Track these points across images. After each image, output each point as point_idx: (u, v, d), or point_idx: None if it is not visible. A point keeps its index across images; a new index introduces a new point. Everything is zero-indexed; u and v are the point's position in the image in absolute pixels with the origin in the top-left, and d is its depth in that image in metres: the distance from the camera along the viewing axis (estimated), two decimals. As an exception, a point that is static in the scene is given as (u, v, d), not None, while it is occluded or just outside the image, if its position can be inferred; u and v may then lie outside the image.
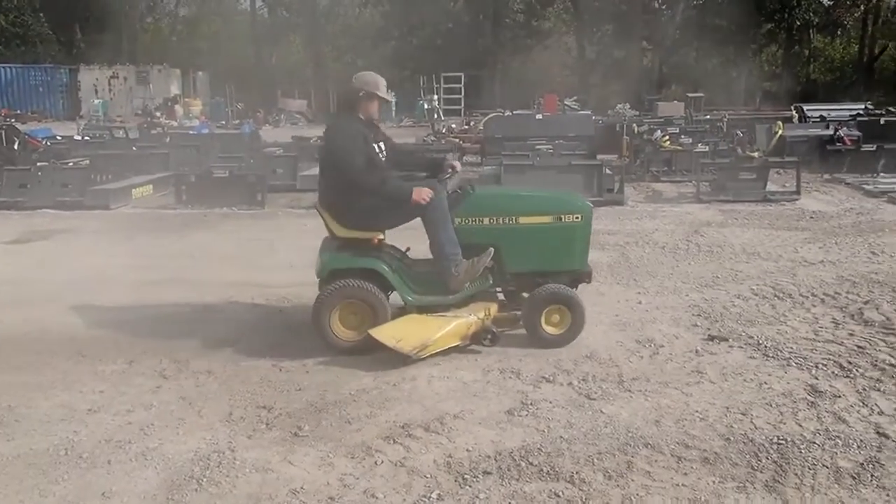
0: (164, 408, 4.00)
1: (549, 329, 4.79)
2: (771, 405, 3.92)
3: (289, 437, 3.65)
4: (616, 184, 10.51)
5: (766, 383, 4.20)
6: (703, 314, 5.47)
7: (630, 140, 13.75)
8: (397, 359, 4.47)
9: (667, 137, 13.35)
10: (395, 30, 41.58)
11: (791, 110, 21.41)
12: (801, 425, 3.69)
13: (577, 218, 4.86)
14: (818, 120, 17.25)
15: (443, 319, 4.65)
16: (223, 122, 27.81)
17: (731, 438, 3.56)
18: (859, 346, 4.73)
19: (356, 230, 4.77)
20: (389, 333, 4.52)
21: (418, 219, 4.75)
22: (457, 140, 16.17)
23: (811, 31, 40.15)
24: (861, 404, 3.91)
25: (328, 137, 4.97)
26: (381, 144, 4.96)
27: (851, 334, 4.97)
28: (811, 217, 9.31)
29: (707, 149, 12.80)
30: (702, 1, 39.33)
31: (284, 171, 12.40)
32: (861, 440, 3.53)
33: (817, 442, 3.51)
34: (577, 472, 3.27)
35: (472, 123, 19.93)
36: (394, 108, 33.37)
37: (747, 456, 3.40)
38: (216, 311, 5.69)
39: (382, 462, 3.40)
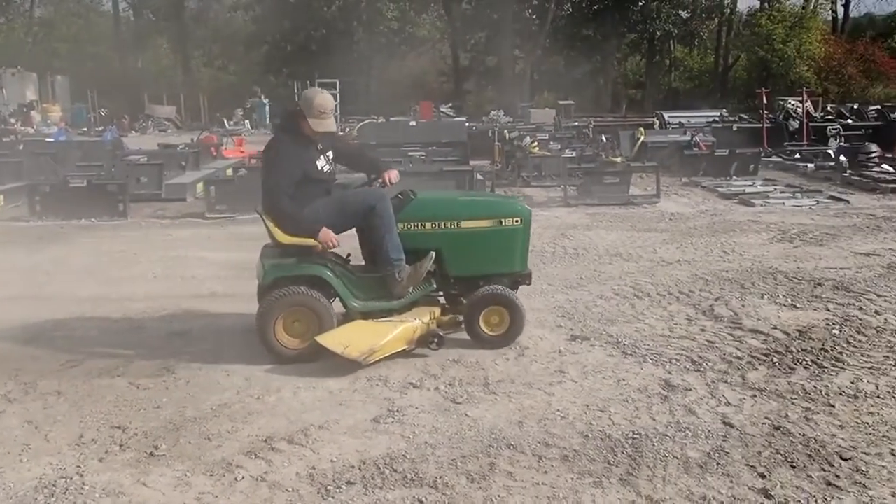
0: (6, 434, 3.74)
1: (488, 330, 4.86)
2: (627, 401, 4.08)
3: (144, 458, 3.49)
4: (487, 189, 10.70)
5: (623, 380, 4.36)
6: (567, 315, 5.63)
7: (502, 146, 14.05)
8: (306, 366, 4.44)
9: (536, 143, 13.71)
10: (267, 35, 40.77)
11: (654, 117, 22.50)
12: (654, 419, 3.86)
13: (517, 221, 4.99)
14: (677, 126, 18.22)
15: (389, 325, 4.67)
16: (85, 129, 26.42)
17: (590, 435, 3.68)
18: (710, 341, 5.00)
19: (299, 237, 4.70)
20: (336, 340, 4.51)
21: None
22: (331, 147, 15.99)
23: (671, 41, 42.34)
24: (710, 396, 4.13)
25: (265, 149, 5.04)
26: (329, 154, 4.97)
27: (703, 330, 5.25)
28: (670, 219, 9.80)
29: (574, 154, 13.25)
30: (570, 11, 40.71)
31: (149, 180, 11.91)
32: (709, 431, 3.72)
33: (669, 434, 3.68)
34: (440, 477, 3.28)
35: (347, 130, 19.80)
36: (267, 114, 32.75)
37: (604, 451, 3.52)
38: (68, 328, 5.38)
39: (243, 478, 3.31)
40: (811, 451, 3.50)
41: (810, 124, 17.69)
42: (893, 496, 3.12)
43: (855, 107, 21.58)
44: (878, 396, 4.09)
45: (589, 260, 7.47)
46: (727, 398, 4.10)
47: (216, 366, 4.60)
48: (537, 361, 4.68)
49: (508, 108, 29.66)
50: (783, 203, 10.60)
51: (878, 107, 21.42)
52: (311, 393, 4.21)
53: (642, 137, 15.00)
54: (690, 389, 4.21)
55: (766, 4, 35.57)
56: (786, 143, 16.52)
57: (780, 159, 15.23)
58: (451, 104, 30.59)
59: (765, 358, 4.68)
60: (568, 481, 3.27)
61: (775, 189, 11.82)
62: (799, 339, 5.00)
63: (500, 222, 4.96)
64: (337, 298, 4.74)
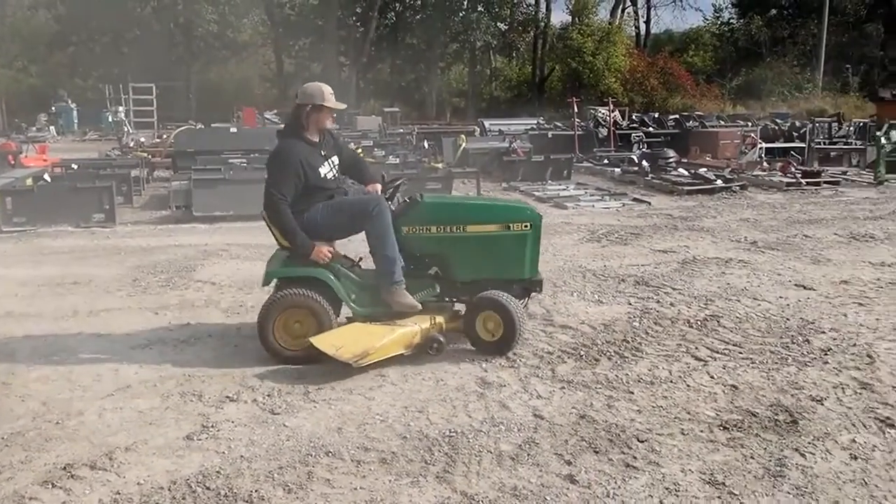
0: None
1: (485, 336, 4.82)
2: (445, 400, 4.18)
3: (-80, 500, 3.15)
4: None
5: (442, 380, 4.46)
6: (390, 319, 5.68)
7: (326, 153, 13.93)
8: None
9: (360, 150, 13.72)
10: (72, 35, 38.12)
11: (476, 125, 23.22)
12: (470, 416, 3.98)
13: (525, 226, 4.91)
14: (497, 133, 18.89)
15: (386, 328, 4.63)
16: None
17: (408, 436, 3.73)
18: (524, 338, 5.21)
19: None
20: (330, 341, 4.47)
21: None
22: (145, 154, 15.23)
23: (491, 52, 43.90)
24: (522, 391, 4.31)
25: (270, 156, 4.89)
26: (334, 159, 4.92)
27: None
28: (490, 222, 10.11)
29: (398, 160, 13.41)
30: (393, 20, 41.18)
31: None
32: (521, 424, 3.88)
33: (484, 430, 3.80)
34: (255, 491, 3.21)
35: (164, 137, 18.92)
36: (76, 120, 30.64)
37: (422, 451, 3.58)
38: None
39: (38, 511, 3.07)
40: (612, 436, 3.75)
41: (617, 132, 18.95)
42: (682, 472, 3.40)
43: (656, 116, 23.35)
44: (671, 381, 4.44)
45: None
46: (538, 391, 4.30)
47: (9, 392, 4.24)
48: (358, 367, 4.68)
49: (335, 115, 29.50)
50: (593, 206, 11.27)
51: (677, 116, 23.33)
52: (117, 414, 3.98)
53: (464, 144, 15.43)
54: (505, 385, 4.38)
55: (576, 19, 37.67)
56: (595, 150, 17.59)
57: (590, 164, 16.19)
58: (275, 111, 29.96)
59: (573, 351, 4.95)
60: (386, 483, 3.30)
61: (586, 192, 12.53)
62: (604, 332, 5.34)
63: (508, 227, 4.89)
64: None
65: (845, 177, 14.07)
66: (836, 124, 19.60)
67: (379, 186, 5.09)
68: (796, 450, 3.60)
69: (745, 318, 5.65)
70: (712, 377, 4.52)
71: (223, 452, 3.55)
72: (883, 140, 14.31)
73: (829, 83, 37.19)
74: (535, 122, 23.66)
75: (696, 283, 6.72)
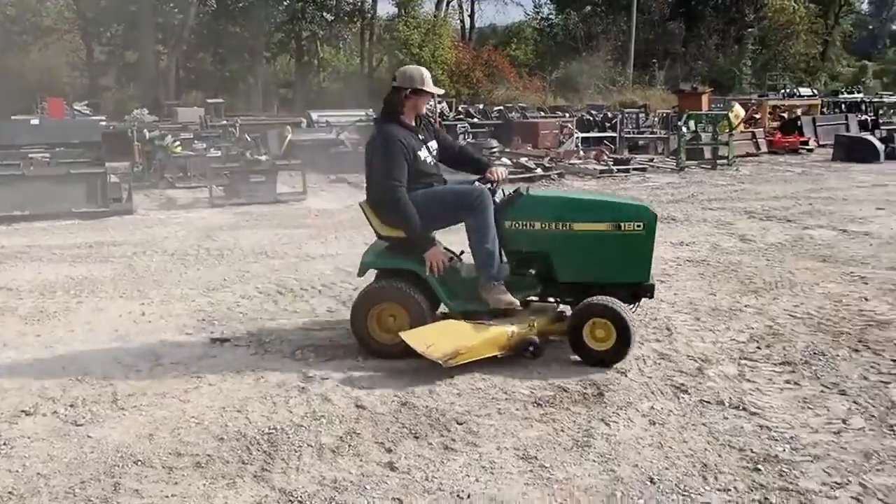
0: None
1: (593, 344, 4.47)
2: (266, 398, 4.08)
3: None
4: (125, 192, 10.01)
5: (263, 377, 4.36)
6: (209, 318, 5.49)
7: (142, 146, 13.22)
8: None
9: (178, 143, 13.14)
10: None
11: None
12: (291, 412, 3.91)
13: (638, 227, 4.54)
14: (325, 125, 18.66)
15: (480, 327, 4.41)
16: None
17: (225, 437, 3.62)
18: (349, 330, 5.19)
19: (397, 230, 4.56)
20: (421, 338, 4.28)
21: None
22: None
23: (318, 42, 43.28)
24: (345, 383, 4.29)
25: (370, 140, 4.68)
26: (432, 144, 4.73)
27: (344, 319, 5.42)
28: (316, 215, 10.03)
29: (220, 153, 12.94)
30: (214, 6, 39.59)
31: None
32: (342, 416, 3.86)
33: (305, 425, 3.76)
34: (54, 509, 2.99)
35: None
36: None
37: (239, 451, 3.48)
38: None
39: None
40: (433, 420, 3.81)
41: (444, 123, 19.27)
42: (498, 449, 3.52)
43: (481, 107, 23.98)
44: (492, 364, 4.57)
45: (233, 260, 7.35)
46: (361, 382, 4.30)
47: None
48: (174, 369, 4.49)
49: (153, 107, 27.97)
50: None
51: (501, 107, 24.07)
52: None
53: (289, 136, 15.12)
54: (327, 378, 4.34)
55: (403, 11, 37.91)
56: (423, 140, 17.77)
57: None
58: (86, 101, 27.97)
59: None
60: (200, 488, 3.17)
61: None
62: (427, 319, 5.42)
63: (620, 227, 4.54)
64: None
65: (651, 164, 15.11)
66: (643, 115, 21.01)
67: (503, 171, 4.84)
68: (602, 420, 3.83)
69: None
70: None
71: (16, 472, 3.28)
72: (683, 129, 15.50)
73: (639, 77, 39.74)
74: (364, 113, 23.59)
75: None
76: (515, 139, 17.35)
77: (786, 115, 20.59)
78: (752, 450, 3.51)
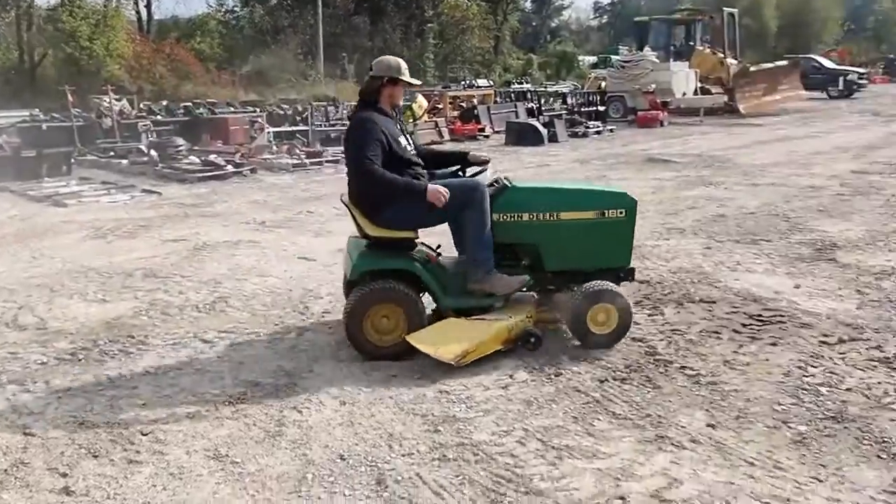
0: None
1: (595, 329, 4.53)
2: None
3: None
4: None
5: None
6: None
7: None
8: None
9: None
10: None
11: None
12: (-58, 452, 3.46)
13: (620, 213, 4.66)
14: (-21, 128, 16.49)
15: (483, 324, 4.42)
16: None
17: None
18: (13, 353, 4.69)
19: (390, 230, 4.49)
20: (428, 340, 4.27)
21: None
22: None
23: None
24: (11, 411, 3.88)
25: (347, 130, 4.64)
26: (410, 136, 4.70)
27: (5, 343, 4.90)
28: (-28, 229, 8.85)
29: None
30: None
31: None
32: (6, 447, 3.50)
33: (-41, 464, 3.34)
34: None
35: None
36: None
37: None
38: None
39: None
40: (115, 436, 3.60)
41: (123, 121, 18.00)
42: (187, 454, 3.42)
43: (165, 104, 22.75)
44: (178, 369, 4.42)
45: None
46: (30, 408, 3.92)
47: None
48: None
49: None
50: (97, 200, 10.56)
51: (189, 104, 23.04)
52: None
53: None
54: (-10, 410, 3.90)
55: (66, 0, 34.57)
56: (99, 141, 16.48)
57: (95, 157, 15.12)
58: None
59: (72, 357, 4.61)
60: None
61: (90, 187, 11.70)
62: (106, 331, 5.07)
63: (603, 214, 4.64)
64: (426, 293, 4.58)
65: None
66: (332, 108, 21.40)
67: (484, 154, 4.91)
68: (294, 408, 3.88)
69: (252, 296, 5.88)
70: (220, 357, 4.62)
71: None
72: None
73: (331, 70, 40.33)
74: (29, 113, 21.25)
75: (207, 267, 6.77)
76: (205, 136, 16.74)
77: (464, 104, 22.18)
78: (433, 414, 3.79)
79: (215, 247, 7.61)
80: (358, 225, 4.57)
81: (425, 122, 18.48)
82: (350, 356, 4.54)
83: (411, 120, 16.07)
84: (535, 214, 4.62)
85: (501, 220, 4.58)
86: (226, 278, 6.39)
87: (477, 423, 3.69)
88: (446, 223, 4.70)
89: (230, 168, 12.82)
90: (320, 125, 18.63)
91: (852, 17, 71.58)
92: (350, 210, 4.59)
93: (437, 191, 4.36)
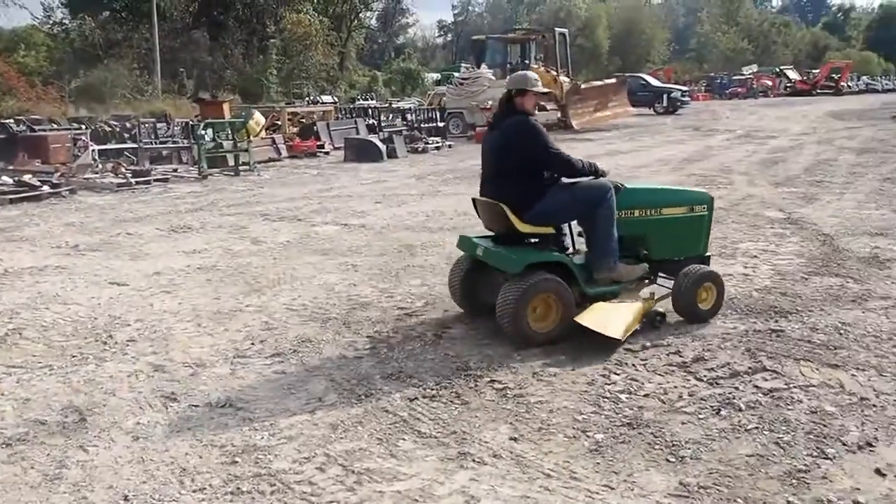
0: None
1: (702, 305, 5.23)
2: None
3: None
4: None
5: None
6: None
7: None
8: None
9: None
10: None
11: None
12: None
13: (703, 208, 5.49)
14: None
15: (627, 306, 5.01)
16: None
17: None
18: None
19: (534, 226, 5.00)
20: (595, 320, 4.76)
21: None
22: None
23: None
24: None
25: (512, 135, 5.00)
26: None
27: None
28: None
29: None
30: None
31: None
32: None
33: None
34: None
35: None
36: None
37: None
38: None
39: None
40: None
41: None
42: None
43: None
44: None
45: None
46: None
47: None
48: None
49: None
50: None
51: (11, 121, 21.33)
52: None
53: None
54: None
55: None
56: None
57: None
58: None
59: None
60: None
61: None
62: None
63: (692, 209, 5.45)
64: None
65: (175, 174, 14.76)
66: (164, 124, 20.49)
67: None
68: (80, 447, 3.61)
69: (52, 326, 5.47)
70: (3, 394, 4.24)
71: None
72: (206, 137, 15.52)
73: (169, 86, 38.70)
74: None
75: (5, 297, 6.25)
76: (21, 155, 15.55)
77: (304, 120, 21.89)
78: (232, 444, 3.63)
79: (18, 274, 7.05)
80: (512, 222, 4.97)
81: (262, 138, 18.09)
82: (153, 387, 4.30)
83: (247, 137, 15.64)
84: (644, 210, 5.35)
85: (621, 217, 5.23)
86: (24, 308, 5.92)
87: (278, 451, 3.57)
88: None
89: (46, 188, 11.98)
90: (150, 142, 17.77)
91: (677, 39, 77.20)
92: (505, 212, 4.96)
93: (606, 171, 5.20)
